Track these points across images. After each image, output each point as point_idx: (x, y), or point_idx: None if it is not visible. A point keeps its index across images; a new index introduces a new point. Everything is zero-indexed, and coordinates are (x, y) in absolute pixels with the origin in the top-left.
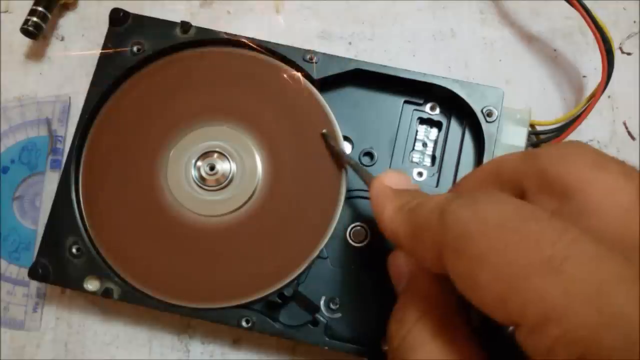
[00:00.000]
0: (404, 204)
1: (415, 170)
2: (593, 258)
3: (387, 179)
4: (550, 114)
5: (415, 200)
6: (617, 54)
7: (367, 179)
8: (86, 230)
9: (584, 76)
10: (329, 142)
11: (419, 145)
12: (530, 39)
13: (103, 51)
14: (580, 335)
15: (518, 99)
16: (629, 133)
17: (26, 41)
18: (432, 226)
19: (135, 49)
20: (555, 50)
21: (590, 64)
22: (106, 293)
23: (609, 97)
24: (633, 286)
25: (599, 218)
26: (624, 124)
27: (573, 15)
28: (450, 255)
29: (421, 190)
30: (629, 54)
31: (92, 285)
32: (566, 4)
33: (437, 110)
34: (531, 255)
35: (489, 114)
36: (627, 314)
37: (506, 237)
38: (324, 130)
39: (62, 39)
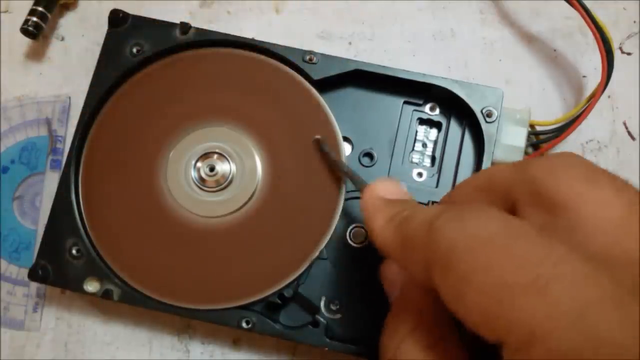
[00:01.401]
0: (395, 215)
1: (415, 171)
2: (579, 278)
3: (379, 188)
4: (550, 114)
5: (405, 212)
6: (617, 54)
7: (360, 187)
8: (86, 231)
9: (584, 76)
10: (323, 148)
11: (418, 146)
12: (530, 39)
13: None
14: (564, 358)
15: (518, 99)
16: (629, 133)
17: (26, 41)
18: (421, 240)
19: (134, 50)
20: (555, 50)
21: (590, 64)
22: (106, 294)
23: (609, 97)
24: (618, 307)
25: (589, 233)
26: (624, 124)
27: (573, 15)
28: (437, 271)
29: (413, 200)
30: (629, 54)
31: (92, 286)
32: (566, 4)
33: (437, 111)
34: (517, 275)
35: (489, 115)
36: (611, 337)
37: (493, 255)
38: (318, 136)
39: (62, 39)
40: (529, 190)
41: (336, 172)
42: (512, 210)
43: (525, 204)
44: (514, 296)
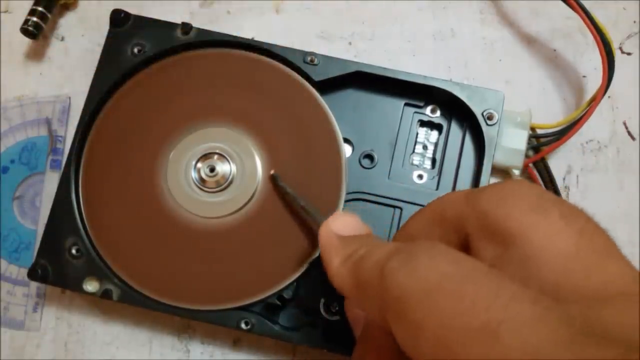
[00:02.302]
0: (350, 255)
1: (415, 173)
2: (528, 320)
3: (335, 225)
4: (550, 114)
5: (360, 251)
6: (617, 54)
7: (317, 223)
8: (86, 231)
9: (584, 76)
10: (278, 183)
11: (419, 148)
12: (530, 39)
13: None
14: None
15: (518, 99)
16: (629, 133)
17: (26, 41)
18: (373, 285)
19: (135, 50)
20: (555, 50)
21: (590, 63)
22: (105, 294)
23: (609, 97)
24: (569, 349)
25: (540, 266)
26: (624, 124)
27: (573, 16)
28: (391, 317)
29: (369, 235)
30: (629, 54)
31: (91, 286)
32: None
33: (438, 113)
34: (468, 320)
35: (490, 117)
36: None
37: (442, 300)
38: (273, 172)
39: (62, 39)
40: (479, 223)
41: (293, 207)
42: (466, 242)
43: (477, 237)
44: (466, 342)
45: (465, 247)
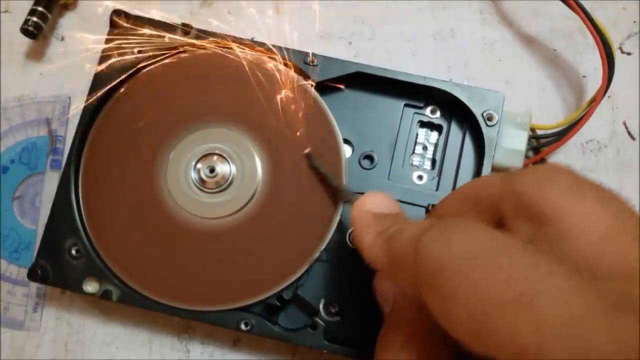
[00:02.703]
0: (383, 232)
1: (415, 174)
2: (564, 293)
3: (368, 203)
4: (550, 114)
5: (393, 228)
6: (617, 54)
7: (350, 201)
8: (86, 232)
9: (584, 76)
10: (312, 162)
11: (419, 149)
12: (530, 39)
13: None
14: None
15: (518, 99)
16: (629, 133)
17: (26, 41)
18: (407, 259)
19: (136, 50)
20: (555, 50)
21: (590, 63)
22: (105, 295)
23: (609, 97)
24: (603, 322)
25: (575, 245)
26: (624, 124)
27: (573, 16)
28: (425, 289)
29: (401, 214)
30: (629, 54)
31: (91, 287)
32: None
33: (438, 114)
34: (502, 292)
35: (490, 118)
36: (598, 350)
37: (477, 273)
38: (308, 150)
39: (62, 39)
40: (515, 203)
41: (327, 185)
42: (500, 222)
43: (512, 216)
44: (501, 313)
45: (500, 228)
